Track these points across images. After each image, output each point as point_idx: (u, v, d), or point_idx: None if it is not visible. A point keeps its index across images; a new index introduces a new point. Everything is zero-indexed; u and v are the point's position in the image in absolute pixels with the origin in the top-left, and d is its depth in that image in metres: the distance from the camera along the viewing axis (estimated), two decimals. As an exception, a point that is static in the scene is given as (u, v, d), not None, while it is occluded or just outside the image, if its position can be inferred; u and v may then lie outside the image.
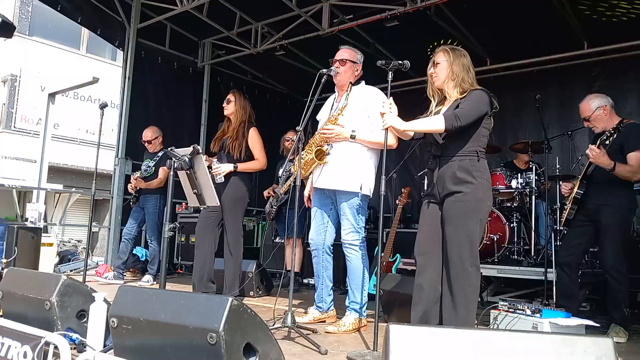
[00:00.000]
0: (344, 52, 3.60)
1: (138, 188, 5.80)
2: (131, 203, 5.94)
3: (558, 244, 4.64)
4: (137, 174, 5.83)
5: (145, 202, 5.77)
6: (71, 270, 6.55)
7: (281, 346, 2.15)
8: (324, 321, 3.60)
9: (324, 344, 2.80)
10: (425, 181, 3.01)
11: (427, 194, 2.95)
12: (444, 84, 2.92)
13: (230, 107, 4.49)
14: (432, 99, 3.01)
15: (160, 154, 5.83)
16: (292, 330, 3.04)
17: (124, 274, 5.83)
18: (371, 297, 3.64)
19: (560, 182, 4.40)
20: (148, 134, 5.93)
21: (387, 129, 2.87)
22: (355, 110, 3.46)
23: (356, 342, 3.11)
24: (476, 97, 2.78)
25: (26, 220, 6.18)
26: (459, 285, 2.69)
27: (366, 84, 3.65)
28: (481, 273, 4.71)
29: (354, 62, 3.58)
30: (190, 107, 7.91)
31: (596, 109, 3.70)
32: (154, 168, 5.76)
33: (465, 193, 2.71)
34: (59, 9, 6.61)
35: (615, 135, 3.45)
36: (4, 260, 5.03)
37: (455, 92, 2.87)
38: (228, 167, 4.32)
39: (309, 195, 3.77)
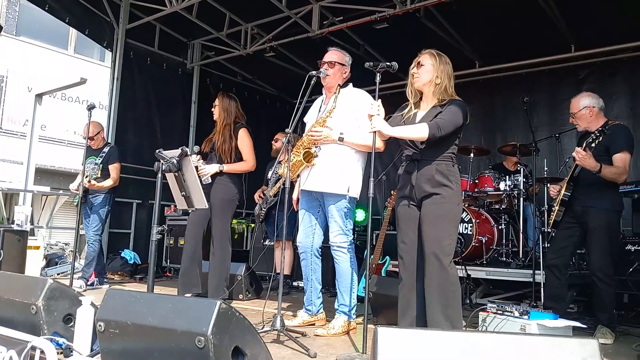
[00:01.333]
0: (332, 54, 3.61)
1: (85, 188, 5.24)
2: (76, 204, 5.30)
3: (546, 245, 4.68)
4: (86, 176, 5.21)
5: (93, 200, 5.35)
6: (58, 274, 6.49)
7: (270, 349, 2.15)
8: (314, 324, 3.59)
9: (313, 347, 2.80)
10: (399, 182, 3.05)
11: (403, 196, 3.00)
12: (424, 86, 2.98)
13: (215, 112, 4.48)
14: (409, 98, 3.06)
15: (105, 149, 5.48)
16: (281, 334, 3.04)
17: (106, 277, 5.66)
18: (360, 299, 3.64)
19: (548, 185, 4.44)
20: (90, 129, 5.34)
21: (374, 132, 2.89)
22: (344, 112, 3.47)
23: (345, 345, 3.11)
24: (455, 109, 2.86)
25: (12, 223, 6.09)
26: (440, 283, 2.76)
27: (355, 85, 3.66)
28: (462, 275, 4.76)
29: (343, 65, 3.59)
30: (179, 109, 7.87)
31: (583, 107, 3.74)
32: (101, 166, 5.33)
33: (443, 195, 2.82)
34: (46, 8, 6.55)
35: (601, 138, 3.48)
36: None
37: (435, 99, 2.94)
38: (214, 169, 4.31)
39: (297, 198, 3.76)
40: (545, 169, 5.34)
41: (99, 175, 5.26)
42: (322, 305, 3.69)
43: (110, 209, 5.53)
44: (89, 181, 5.16)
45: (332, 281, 3.76)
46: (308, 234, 3.60)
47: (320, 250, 3.64)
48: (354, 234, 3.61)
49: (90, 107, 4.90)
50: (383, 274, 4.94)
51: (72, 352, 2.39)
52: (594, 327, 3.60)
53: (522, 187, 5.25)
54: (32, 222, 6.88)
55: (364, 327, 2.73)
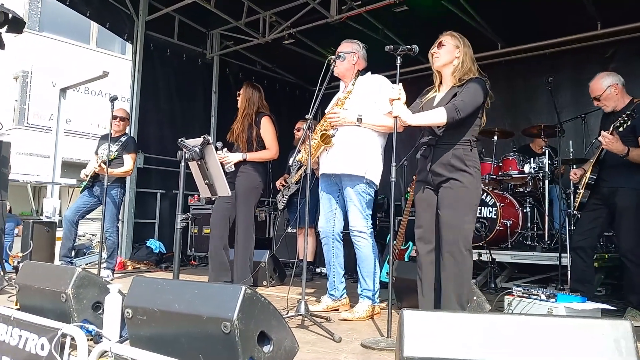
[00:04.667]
0: (340, 47, 3.60)
1: (93, 175, 5.23)
2: (81, 191, 5.37)
3: (572, 228, 4.60)
4: (98, 159, 5.20)
5: (102, 190, 5.10)
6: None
7: (295, 334, 2.16)
8: (338, 309, 3.60)
9: (337, 332, 2.81)
10: (418, 167, 3.03)
11: (420, 180, 2.99)
12: (444, 67, 2.93)
13: (240, 101, 4.50)
14: (435, 82, 3.03)
15: (123, 138, 5.41)
16: (305, 319, 3.05)
17: (73, 261, 5.47)
18: (384, 284, 3.64)
19: (574, 166, 4.35)
20: (121, 112, 5.43)
21: (395, 117, 2.87)
22: (362, 95, 3.44)
23: (370, 329, 3.11)
24: (474, 88, 2.79)
25: (41, 214, 6.22)
26: (455, 268, 2.75)
27: (375, 71, 3.62)
28: (486, 259, 4.72)
29: (350, 52, 3.54)
30: (200, 99, 7.91)
31: (607, 87, 3.65)
32: (116, 153, 5.24)
33: (460, 181, 2.79)
34: (67, 3, 6.62)
35: (629, 122, 3.39)
36: (20, 254, 5.10)
37: (454, 80, 2.88)
38: (237, 157, 4.33)
39: None
40: (571, 150, 5.22)
41: (113, 157, 5.17)
42: (345, 290, 3.69)
43: (122, 201, 5.50)
44: (99, 165, 5.10)
45: (355, 267, 3.76)
46: (329, 219, 3.60)
47: (341, 235, 3.63)
48: (375, 219, 3.60)
49: (113, 99, 4.94)
50: (406, 259, 4.92)
51: (101, 338, 2.44)
52: (623, 309, 3.53)
53: (547, 170, 5.14)
54: (60, 214, 7.03)
55: (388, 311, 2.73)
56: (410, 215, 5.16)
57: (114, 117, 5.28)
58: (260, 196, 4.55)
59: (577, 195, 3.78)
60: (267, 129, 4.42)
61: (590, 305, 3.03)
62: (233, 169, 4.32)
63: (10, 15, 4.60)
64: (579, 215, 3.94)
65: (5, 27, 4.63)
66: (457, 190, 2.79)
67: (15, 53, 13.94)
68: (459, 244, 2.76)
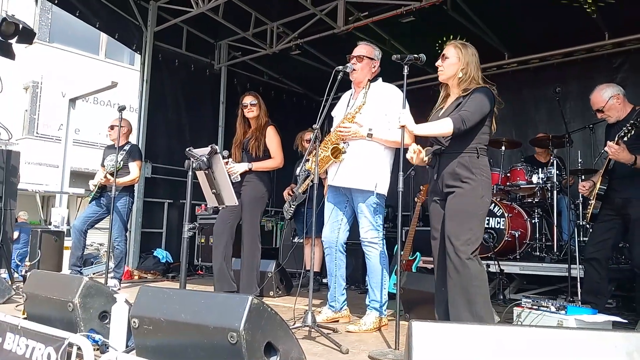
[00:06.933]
0: (361, 48, 3.56)
1: (100, 186, 5.25)
2: (90, 202, 5.40)
3: (582, 239, 4.55)
4: (103, 170, 5.29)
5: (110, 200, 5.04)
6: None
7: (302, 345, 2.14)
8: (337, 321, 3.56)
9: (345, 343, 2.78)
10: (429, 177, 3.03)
11: (431, 191, 2.98)
12: (449, 79, 2.91)
13: (255, 110, 4.50)
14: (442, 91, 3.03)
15: (126, 147, 5.41)
16: (312, 330, 3.03)
17: (82, 270, 5.41)
18: (391, 296, 3.61)
19: (582, 177, 4.31)
20: (123, 121, 5.26)
21: (402, 127, 2.86)
22: (373, 108, 3.42)
23: (377, 341, 3.08)
24: (480, 97, 2.76)
25: (49, 224, 6.25)
26: (461, 280, 2.68)
27: (383, 81, 3.61)
28: (495, 270, 4.67)
29: (372, 59, 3.53)
30: (208, 109, 7.96)
31: (609, 98, 3.63)
32: (122, 163, 5.24)
33: (464, 189, 2.75)
34: (77, 14, 6.70)
35: (633, 131, 3.36)
36: (28, 263, 5.12)
37: (459, 89, 2.87)
38: (242, 167, 4.34)
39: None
40: (579, 160, 5.19)
41: (119, 167, 5.17)
42: (345, 302, 3.65)
43: (130, 210, 5.49)
44: (105, 176, 5.14)
45: (363, 278, 3.73)
46: (334, 229, 3.58)
47: (344, 246, 3.61)
48: (383, 230, 3.58)
49: (121, 109, 4.98)
50: (414, 270, 4.89)
51: (108, 348, 2.43)
52: (634, 322, 3.48)
53: (555, 180, 5.11)
54: (68, 223, 7.06)
55: (396, 322, 2.70)
56: (417, 226, 5.15)
57: (111, 127, 5.38)
58: (266, 205, 4.55)
59: (588, 207, 3.74)
60: (272, 138, 4.45)
61: (601, 318, 2.99)
62: (239, 179, 4.33)
63: (20, 26, 4.65)
64: (591, 227, 3.90)
65: (16, 38, 4.68)
66: (460, 198, 2.75)
67: (26, 63, 14.10)
68: (460, 254, 2.68)
